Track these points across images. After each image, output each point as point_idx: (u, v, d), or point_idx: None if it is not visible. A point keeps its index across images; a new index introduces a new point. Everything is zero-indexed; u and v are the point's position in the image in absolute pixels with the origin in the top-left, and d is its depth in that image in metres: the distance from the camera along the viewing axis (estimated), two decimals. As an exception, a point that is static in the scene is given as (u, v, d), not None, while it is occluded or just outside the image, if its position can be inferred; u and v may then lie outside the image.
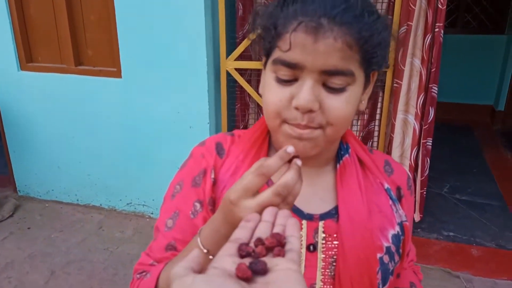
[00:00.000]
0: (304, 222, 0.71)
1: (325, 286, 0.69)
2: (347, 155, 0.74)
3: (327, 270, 0.69)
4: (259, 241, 0.46)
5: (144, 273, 0.71)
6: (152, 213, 2.99)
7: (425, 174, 2.61)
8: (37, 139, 3.07)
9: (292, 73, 0.60)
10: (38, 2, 2.78)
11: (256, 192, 0.54)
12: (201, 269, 0.41)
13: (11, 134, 3.12)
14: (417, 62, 2.36)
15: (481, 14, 4.86)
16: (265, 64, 0.67)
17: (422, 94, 2.40)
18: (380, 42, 0.61)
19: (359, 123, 2.65)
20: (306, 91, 0.59)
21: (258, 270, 0.40)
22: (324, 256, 0.69)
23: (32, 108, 2.98)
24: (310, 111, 0.60)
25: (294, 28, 0.58)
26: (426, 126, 2.48)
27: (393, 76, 2.43)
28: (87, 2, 2.71)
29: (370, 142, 2.72)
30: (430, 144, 2.56)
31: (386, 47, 0.64)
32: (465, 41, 4.84)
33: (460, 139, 4.49)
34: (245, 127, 2.79)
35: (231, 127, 2.72)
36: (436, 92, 2.42)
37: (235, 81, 2.57)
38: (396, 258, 0.73)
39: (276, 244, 0.45)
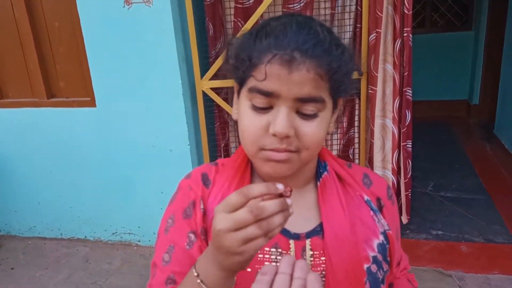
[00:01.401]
0: (291, 241, 0.73)
1: None
2: (325, 173, 0.78)
3: None
4: None
5: None
6: (139, 241, 2.94)
7: (408, 176, 2.63)
8: (15, 176, 2.99)
9: (268, 101, 0.64)
10: (4, 37, 2.73)
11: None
12: None
13: (-13, 173, 3.04)
14: (389, 67, 2.39)
15: (447, 12, 4.98)
16: (238, 92, 0.71)
17: (398, 98, 2.43)
18: (347, 72, 0.67)
19: (339, 131, 2.66)
20: (282, 118, 0.63)
21: None
22: None
23: (6, 145, 2.91)
24: (287, 136, 0.64)
25: (269, 60, 0.62)
26: (404, 129, 2.50)
27: (368, 83, 2.45)
28: (55, 34, 2.67)
29: (352, 149, 2.73)
30: (410, 146, 2.59)
31: (351, 75, 0.70)
32: (435, 40, 4.94)
33: (439, 135, 4.56)
34: (226, 145, 2.78)
35: (212, 146, 2.70)
36: (410, 95, 2.46)
37: (212, 100, 2.56)
38: (385, 266, 0.77)
39: None
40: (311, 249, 0.73)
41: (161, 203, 2.77)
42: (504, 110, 4.06)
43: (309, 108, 0.64)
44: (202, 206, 0.75)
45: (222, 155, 2.76)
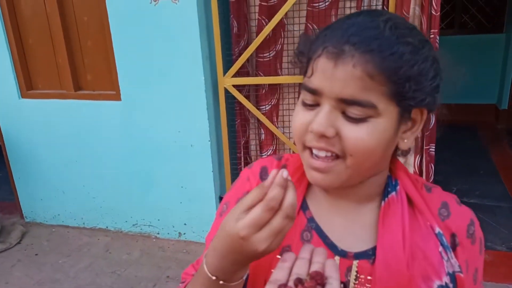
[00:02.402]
0: (337, 258, 0.68)
1: None
2: (393, 193, 0.69)
3: None
4: (299, 281, 0.46)
5: (183, 283, 0.75)
6: (158, 233, 2.99)
7: (431, 180, 2.58)
8: (41, 165, 3.09)
9: (314, 99, 0.61)
10: (36, 31, 2.82)
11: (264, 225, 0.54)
12: None
13: (15, 162, 3.15)
14: (414, 69, 2.35)
15: (478, 14, 4.85)
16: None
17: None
18: (412, 76, 0.57)
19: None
20: (321, 116, 0.59)
21: None
22: None
23: (34, 135, 3.00)
24: (324, 136, 0.59)
25: (319, 54, 0.59)
26: (427, 132, 2.46)
27: (391, 84, 2.42)
28: (83, 28, 2.74)
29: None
30: (433, 150, 2.54)
31: (426, 79, 0.59)
32: (464, 42, 4.82)
33: (465, 140, 4.45)
34: (246, 143, 2.79)
35: (232, 143, 2.72)
36: (435, 97, 2.41)
37: (234, 97, 2.57)
38: None
39: (315, 285, 0.45)
40: (357, 272, 0.67)
41: (181, 197, 2.82)
42: (534, 116, 3.94)
43: (354, 112, 0.57)
44: None
45: (242, 152, 2.78)
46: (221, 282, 0.60)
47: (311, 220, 0.71)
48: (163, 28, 2.47)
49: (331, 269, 0.48)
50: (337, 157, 0.60)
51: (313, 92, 0.60)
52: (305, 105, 0.62)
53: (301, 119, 0.62)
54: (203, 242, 2.86)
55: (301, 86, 0.63)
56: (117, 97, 2.73)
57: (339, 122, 0.58)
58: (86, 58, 2.81)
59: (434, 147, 2.53)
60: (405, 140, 0.64)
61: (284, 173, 0.54)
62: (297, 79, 2.42)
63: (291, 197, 0.54)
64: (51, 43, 2.81)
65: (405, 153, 0.67)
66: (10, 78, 2.90)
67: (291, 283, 0.46)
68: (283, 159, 0.78)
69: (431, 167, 2.56)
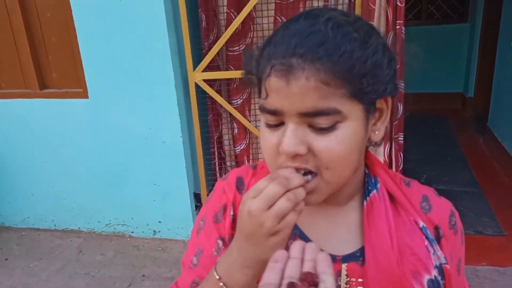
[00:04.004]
0: None
1: None
2: (375, 191, 0.68)
3: None
4: (291, 285, 0.45)
5: None
6: (132, 232, 2.95)
7: (400, 169, 2.64)
8: (8, 167, 2.99)
9: (277, 118, 0.58)
10: (-4, 27, 2.71)
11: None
12: None
13: (-20, 164, 3.04)
14: (382, 60, 2.39)
15: (443, 4, 4.96)
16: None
17: (390, 90, 2.43)
18: (367, 71, 0.55)
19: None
20: (288, 135, 0.56)
21: None
22: None
23: (-1, 136, 2.90)
24: (297, 154, 0.57)
25: (268, 73, 0.56)
26: (396, 122, 2.51)
27: (360, 75, 2.45)
28: (46, 25, 2.65)
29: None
30: (402, 138, 2.60)
31: (382, 70, 0.58)
32: (431, 32, 4.93)
33: (433, 128, 4.57)
34: (219, 137, 2.78)
35: (205, 138, 2.70)
36: (403, 87, 2.45)
37: (205, 92, 2.55)
38: None
39: (309, 286, 0.44)
40: (347, 275, 0.66)
41: (154, 194, 2.79)
42: (497, 103, 4.07)
43: (320, 122, 0.55)
44: (232, 213, 0.71)
45: (215, 147, 2.76)
46: (221, 284, 0.59)
47: (294, 227, 0.69)
48: (129, 23, 2.42)
49: (324, 264, 0.48)
50: (313, 173, 0.59)
51: (273, 113, 0.58)
52: (269, 126, 0.60)
53: (269, 141, 0.60)
54: (179, 239, 2.85)
55: (259, 109, 0.61)
56: (84, 94, 2.66)
57: (308, 136, 0.57)
58: (50, 55, 2.73)
59: (402, 136, 2.59)
60: (376, 132, 0.63)
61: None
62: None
63: (302, 192, 0.55)
64: (13, 40, 2.71)
65: (377, 144, 0.66)
66: (-29, 78, 2.79)
67: None
68: (258, 167, 0.76)
69: (400, 155, 2.61)
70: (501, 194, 3.11)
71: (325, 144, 0.56)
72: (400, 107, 2.48)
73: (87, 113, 2.69)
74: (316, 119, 0.55)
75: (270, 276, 0.47)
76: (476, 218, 2.82)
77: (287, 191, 0.54)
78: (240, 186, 0.74)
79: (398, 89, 0.63)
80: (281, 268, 0.48)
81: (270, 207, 0.53)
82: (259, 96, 0.63)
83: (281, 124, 0.58)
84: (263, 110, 0.59)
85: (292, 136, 0.56)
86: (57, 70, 2.75)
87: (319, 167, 0.58)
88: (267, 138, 0.60)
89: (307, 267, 0.48)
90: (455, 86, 5.10)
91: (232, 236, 0.70)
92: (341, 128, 0.56)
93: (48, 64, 2.75)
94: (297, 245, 0.51)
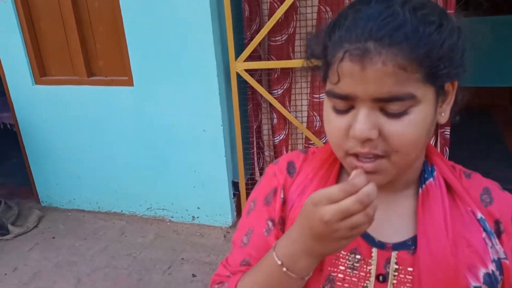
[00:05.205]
0: (374, 250, 0.66)
1: None
2: (431, 179, 0.67)
3: None
4: None
5: (221, 284, 0.73)
6: (172, 217, 3.03)
7: (444, 164, 2.57)
8: (56, 151, 3.13)
9: (347, 103, 0.58)
10: (48, 16, 2.83)
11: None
12: None
13: (31, 148, 3.20)
14: (429, 51, 2.31)
15: (494, -6, 4.73)
16: (324, 86, 0.64)
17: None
18: (444, 54, 0.55)
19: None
20: (361, 120, 0.56)
21: None
22: None
23: (48, 121, 3.04)
24: (369, 139, 0.56)
25: (340, 58, 0.55)
26: (442, 116, 2.43)
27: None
28: (95, 14, 2.74)
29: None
30: (448, 133, 2.52)
31: (456, 53, 0.57)
32: (479, 23, 4.69)
33: (480, 124, 4.38)
34: (259, 127, 2.79)
35: (245, 127, 2.72)
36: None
37: (246, 82, 2.57)
38: None
39: None
40: (396, 263, 0.65)
41: (194, 181, 2.85)
42: (551, 98, 3.86)
43: (394, 108, 0.55)
44: (282, 195, 0.72)
45: (254, 137, 2.78)
46: (284, 269, 0.60)
47: None
48: (174, 13, 2.46)
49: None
50: (380, 157, 0.58)
51: (345, 98, 0.57)
52: (336, 111, 0.59)
53: (337, 125, 0.59)
54: (216, 225, 2.90)
55: (326, 93, 0.60)
56: (129, 82, 2.74)
57: (380, 120, 0.56)
58: (98, 44, 2.82)
59: (449, 130, 2.51)
60: (442, 114, 0.62)
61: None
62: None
63: (370, 187, 0.53)
64: (63, 28, 2.82)
65: (441, 127, 0.65)
66: (24, 65, 2.92)
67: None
68: (309, 153, 0.76)
69: (446, 150, 2.54)
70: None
71: (397, 128, 0.56)
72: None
73: (131, 100, 2.77)
74: (390, 105, 0.55)
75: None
76: (523, 218, 2.69)
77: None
78: (291, 170, 0.74)
79: (466, 71, 0.62)
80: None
81: (345, 218, 0.53)
82: (324, 81, 0.62)
83: (350, 108, 0.58)
84: (333, 95, 0.58)
85: (365, 121, 0.55)
86: (104, 58, 2.84)
87: (388, 151, 0.57)
88: (335, 122, 0.60)
89: None
90: (503, 81, 4.86)
91: (281, 218, 0.72)
92: (413, 113, 0.55)
93: (95, 52, 2.85)
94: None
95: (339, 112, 0.59)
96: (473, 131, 4.18)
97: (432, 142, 2.49)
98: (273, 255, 0.61)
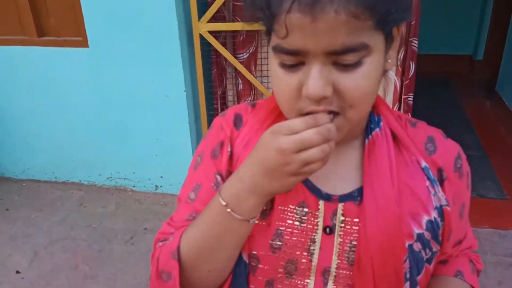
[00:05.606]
0: (321, 202, 0.66)
1: (341, 271, 0.65)
2: (377, 129, 0.67)
3: (345, 255, 0.65)
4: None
5: (165, 240, 0.69)
6: (134, 186, 2.94)
7: (407, 130, 2.60)
8: (6, 117, 2.92)
9: (297, 58, 0.54)
10: (-10, -32, 2.56)
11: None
12: None
13: (-22, 114, 2.97)
14: (397, 15, 2.28)
15: (458, -39, 4.73)
16: (268, 43, 0.59)
17: (403, 48, 2.35)
18: None
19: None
20: (314, 77, 0.53)
21: None
22: (341, 240, 0.65)
23: (-4, 85, 2.82)
24: (324, 97, 0.54)
25: (287, 9, 0.49)
26: (407, 82, 2.44)
27: (372, 31, 2.35)
28: (43, -34, 2.51)
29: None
30: (412, 99, 2.53)
31: None
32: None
33: (439, 91, 4.49)
34: (223, 93, 2.71)
35: (209, 93, 2.63)
36: (416, 46, 2.36)
37: (210, 45, 2.45)
38: (435, 246, 0.67)
39: None
40: (342, 215, 0.65)
41: (156, 149, 2.75)
42: (508, 66, 3.98)
43: (347, 59, 0.52)
44: (229, 149, 0.70)
45: (219, 103, 2.70)
46: (228, 210, 0.58)
47: None
48: (131, -32, 2.28)
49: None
50: (336, 114, 0.56)
51: (295, 53, 0.53)
52: (285, 67, 0.55)
53: (286, 84, 0.56)
54: (180, 194, 2.84)
55: (273, 49, 0.55)
56: (84, 43, 2.56)
57: (333, 75, 0.53)
58: (48, 1, 2.59)
59: (412, 96, 2.53)
60: (389, 60, 0.60)
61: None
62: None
63: (331, 125, 0.53)
64: (8, -17, 2.57)
65: (385, 72, 0.63)
66: (-35, 23, 2.67)
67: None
68: (257, 106, 0.74)
69: (409, 116, 2.56)
70: (506, 158, 3.09)
71: (351, 82, 0.53)
72: (412, 66, 2.40)
73: (87, 63, 2.60)
74: (343, 57, 0.52)
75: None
76: (479, 182, 2.81)
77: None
78: (238, 122, 0.72)
79: (411, 12, 0.59)
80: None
81: (302, 151, 0.52)
82: (268, 34, 0.58)
83: (300, 63, 0.54)
84: (281, 50, 0.54)
85: (318, 78, 0.52)
86: (56, 16, 2.63)
87: (343, 107, 0.56)
88: (283, 80, 0.56)
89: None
90: (464, 49, 4.96)
91: (228, 172, 0.69)
92: (366, 63, 0.53)
93: (46, 9, 2.62)
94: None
95: (287, 68, 0.55)
96: (433, 98, 4.28)
97: (395, 108, 2.50)
98: (218, 197, 0.60)
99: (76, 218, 2.67)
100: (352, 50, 0.51)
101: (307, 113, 0.56)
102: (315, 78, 0.52)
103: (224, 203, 0.58)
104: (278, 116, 0.69)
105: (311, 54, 0.52)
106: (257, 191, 0.57)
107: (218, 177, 0.70)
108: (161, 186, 2.88)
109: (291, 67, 0.55)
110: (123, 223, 2.60)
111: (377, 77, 0.57)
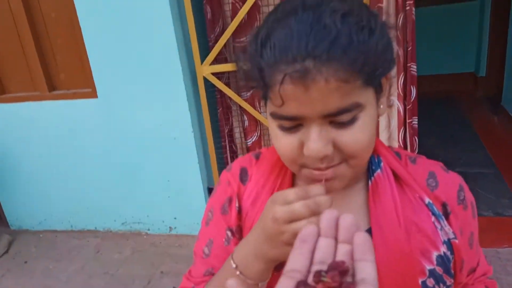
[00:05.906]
0: None
1: None
2: (379, 170, 0.68)
3: None
4: (319, 275, 0.36)
5: None
6: (148, 230, 2.95)
7: (415, 153, 2.60)
8: (22, 171, 3.00)
9: (294, 122, 0.57)
10: (2, 31, 2.70)
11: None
12: None
13: (-6, 169, 3.05)
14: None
15: (450, -17, 4.85)
16: (265, 107, 0.62)
17: (402, 74, 2.39)
18: (380, 54, 0.54)
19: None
20: (314, 139, 0.55)
21: None
22: None
23: (11, 140, 2.91)
24: (325, 156, 0.57)
25: (280, 81, 0.52)
26: (410, 106, 2.46)
27: (371, 60, 2.40)
28: (52, 26, 2.64)
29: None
30: (416, 122, 2.55)
31: (389, 50, 0.57)
32: (439, 12, 4.82)
33: (445, 111, 4.49)
34: (230, 131, 2.76)
35: (216, 132, 2.68)
36: (415, 70, 2.40)
37: (214, 86, 2.53)
38: (448, 280, 0.67)
39: (341, 276, 0.36)
40: None
41: (168, 191, 2.78)
42: (511, 81, 3.98)
43: (343, 118, 0.55)
44: (237, 204, 0.72)
45: (227, 141, 2.74)
46: (238, 272, 0.60)
47: None
48: (134, 19, 2.39)
49: (363, 248, 0.39)
50: (338, 163, 0.59)
51: (292, 119, 0.56)
52: (284, 129, 0.58)
53: (287, 143, 0.59)
54: (195, 234, 2.83)
55: (271, 115, 0.59)
56: (93, 94, 2.65)
57: (332, 133, 0.56)
58: (57, 56, 2.72)
59: (416, 119, 2.54)
60: (381, 106, 0.62)
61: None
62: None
63: (323, 198, 0.53)
64: (19, 43, 2.70)
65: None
66: (-20, 84, 2.79)
67: (311, 279, 0.37)
68: (261, 157, 0.76)
69: (415, 140, 2.57)
70: (520, 174, 3.05)
71: (349, 137, 0.56)
72: (414, 91, 2.43)
73: (97, 112, 2.69)
74: (338, 117, 0.55)
75: (296, 260, 0.40)
76: (495, 200, 2.77)
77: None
78: (244, 177, 0.74)
79: (395, 60, 0.62)
80: (309, 249, 0.40)
81: (292, 221, 0.53)
82: (265, 101, 0.61)
83: (298, 125, 0.57)
84: (279, 117, 0.57)
85: (318, 139, 0.55)
86: (65, 71, 2.74)
87: (345, 158, 0.59)
88: (285, 141, 0.59)
89: (342, 252, 0.39)
90: (466, 67, 5.00)
91: (238, 227, 0.72)
92: (361, 118, 0.56)
93: (55, 65, 2.74)
94: (328, 217, 0.43)
95: (287, 130, 0.58)
96: (440, 118, 4.28)
97: (401, 133, 2.52)
98: (230, 259, 0.62)
99: (94, 266, 2.68)
100: (346, 111, 0.54)
101: (314, 169, 0.59)
102: (315, 140, 0.55)
103: (234, 266, 0.61)
104: (282, 168, 0.71)
105: (308, 118, 0.55)
106: (260, 256, 0.58)
107: (229, 233, 0.73)
108: (175, 228, 2.89)
109: (290, 129, 0.58)
110: (140, 268, 2.60)
111: (373, 127, 0.59)
